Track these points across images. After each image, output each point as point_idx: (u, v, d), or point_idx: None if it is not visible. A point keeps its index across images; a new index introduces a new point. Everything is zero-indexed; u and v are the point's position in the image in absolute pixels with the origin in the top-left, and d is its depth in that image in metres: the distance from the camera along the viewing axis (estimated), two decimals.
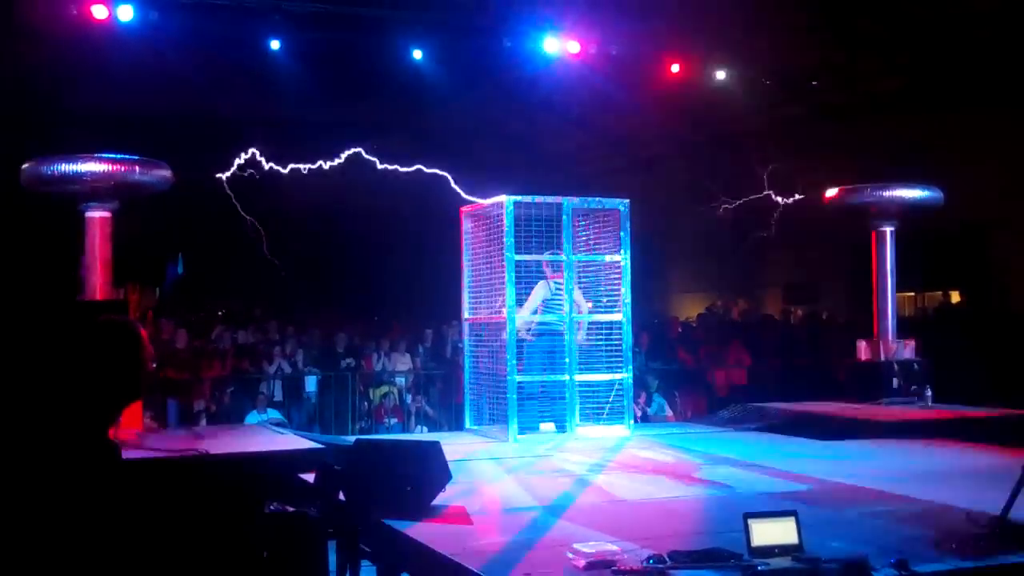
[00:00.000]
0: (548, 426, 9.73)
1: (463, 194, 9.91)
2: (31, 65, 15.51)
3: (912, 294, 18.15)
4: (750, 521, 4.42)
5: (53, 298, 9.70)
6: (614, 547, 4.53)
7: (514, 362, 9.45)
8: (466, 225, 10.44)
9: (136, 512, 3.05)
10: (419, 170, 9.71)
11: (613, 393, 9.91)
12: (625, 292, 9.87)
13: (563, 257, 9.64)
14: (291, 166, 9.89)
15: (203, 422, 12.74)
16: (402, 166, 9.75)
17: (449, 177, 9.73)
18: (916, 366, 11.25)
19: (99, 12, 13.34)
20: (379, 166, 9.88)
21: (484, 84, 18.84)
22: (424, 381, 14.92)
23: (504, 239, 9.48)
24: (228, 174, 9.53)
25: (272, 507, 6.06)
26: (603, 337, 9.94)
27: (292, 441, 8.51)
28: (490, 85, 18.91)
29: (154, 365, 9.82)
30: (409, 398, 14.68)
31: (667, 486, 6.93)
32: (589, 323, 9.95)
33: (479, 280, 10.21)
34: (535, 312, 9.88)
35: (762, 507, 4.86)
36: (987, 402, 10.35)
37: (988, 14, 15.44)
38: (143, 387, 3.26)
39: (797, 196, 11.06)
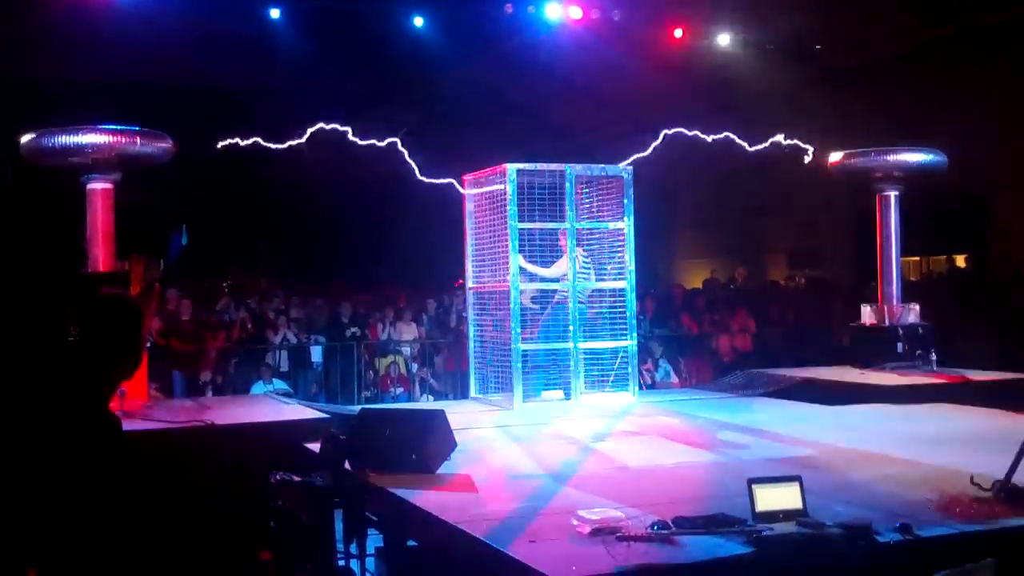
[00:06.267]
0: (555, 394, 9.73)
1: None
2: (29, 37, 15.44)
3: (917, 259, 18.10)
4: (754, 487, 4.44)
5: (55, 271, 9.69)
6: (619, 513, 4.53)
7: (519, 330, 9.44)
8: (469, 193, 10.41)
9: (137, 484, 3.05)
10: (421, 138, 9.68)
11: (618, 360, 9.90)
12: (629, 259, 9.85)
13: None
14: (291, 136, 9.86)
15: (209, 393, 12.76)
16: (404, 135, 9.72)
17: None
18: (921, 330, 11.20)
19: None
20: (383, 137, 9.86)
21: (486, 51, 18.72)
22: (429, 350, 14.91)
23: (507, 207, 9.46)
24: (229, 144, 9.50)
25: (278, 477, 6.08)
26: (607, 304, 9.93)
27: (297, 411, 8.52)
28: (492, 52, 18.79)
29: (150, 341, 9.83)
30: (415, 367, 14.68)
31: (672, 452, 6.94)
32: (593, 290, 9.93)
33: (483, 248, 10.19)
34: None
35: (766, 473, 4.86)
36: (992, 366, 10.35)
37: None
38: (141, 361, 3.25)
39: (804, 160, 10.98)
